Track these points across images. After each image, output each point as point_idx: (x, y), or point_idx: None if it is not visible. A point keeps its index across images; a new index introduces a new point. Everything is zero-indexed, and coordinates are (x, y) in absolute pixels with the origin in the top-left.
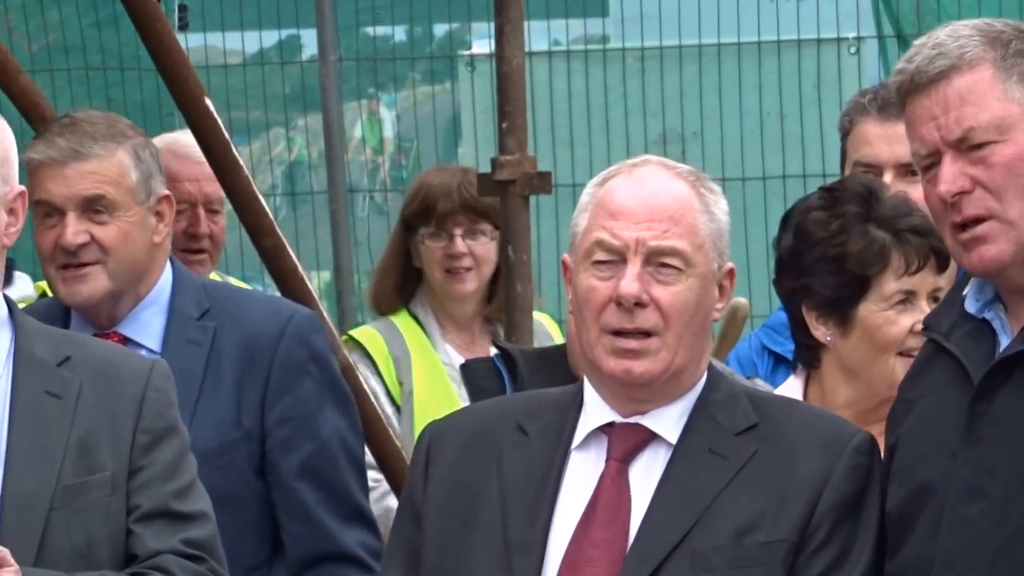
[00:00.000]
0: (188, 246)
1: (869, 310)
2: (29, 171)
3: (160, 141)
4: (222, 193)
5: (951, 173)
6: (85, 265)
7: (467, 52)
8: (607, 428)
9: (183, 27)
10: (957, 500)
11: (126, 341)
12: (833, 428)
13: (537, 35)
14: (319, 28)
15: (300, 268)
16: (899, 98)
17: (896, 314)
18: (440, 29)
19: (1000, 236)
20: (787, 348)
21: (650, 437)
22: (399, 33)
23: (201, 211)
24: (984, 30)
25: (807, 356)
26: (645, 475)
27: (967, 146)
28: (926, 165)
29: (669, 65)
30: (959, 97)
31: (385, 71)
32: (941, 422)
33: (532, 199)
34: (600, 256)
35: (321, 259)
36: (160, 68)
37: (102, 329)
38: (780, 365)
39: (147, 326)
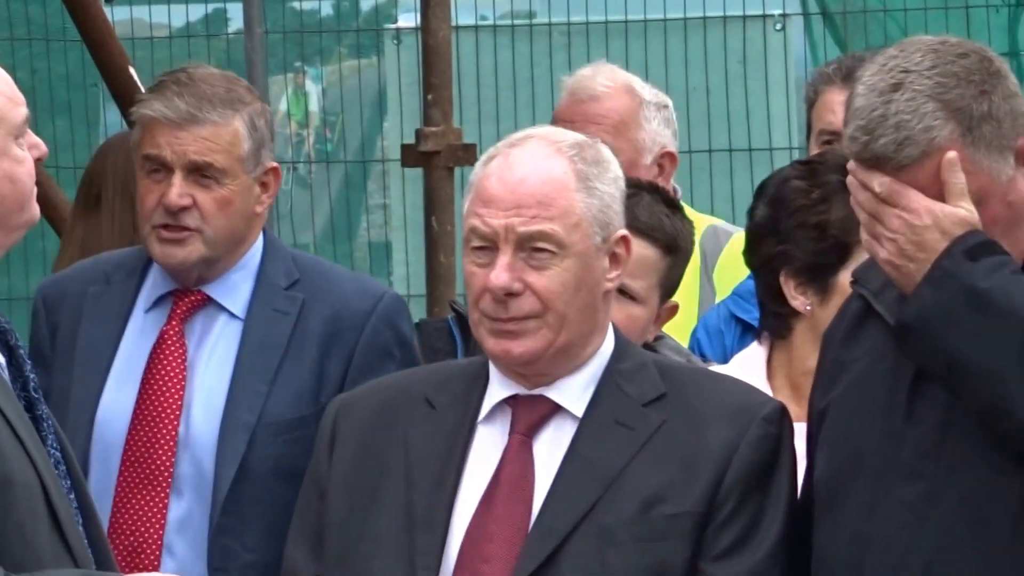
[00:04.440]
0: None
1: (848, 277)
2: (141, 123)
3: None
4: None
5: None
6: (184, 229)
7: (393, 26)
8: (512, 401)
9: (109, 0)
10: (896, 481)
11: (211, 302)
12: (742, 397)
13: (464, 9)
14: (245, 1)
15: None
16: (858, 161)
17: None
18: (366, 3)
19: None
20: (755, 316)
21: (555, 409)
22: (325, 7)
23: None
24: (944, 98)
25: (777, 325)
26: (550, 448)
27: None
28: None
29: (595, 41)
30: (930, 177)
31: (311, 44)
32: (875, 392)
33: (457, 171)
34: (476, 243)
35: None
36: (86, 39)
37: (184, 287)
38: (748, 333)
39: (234, 290)
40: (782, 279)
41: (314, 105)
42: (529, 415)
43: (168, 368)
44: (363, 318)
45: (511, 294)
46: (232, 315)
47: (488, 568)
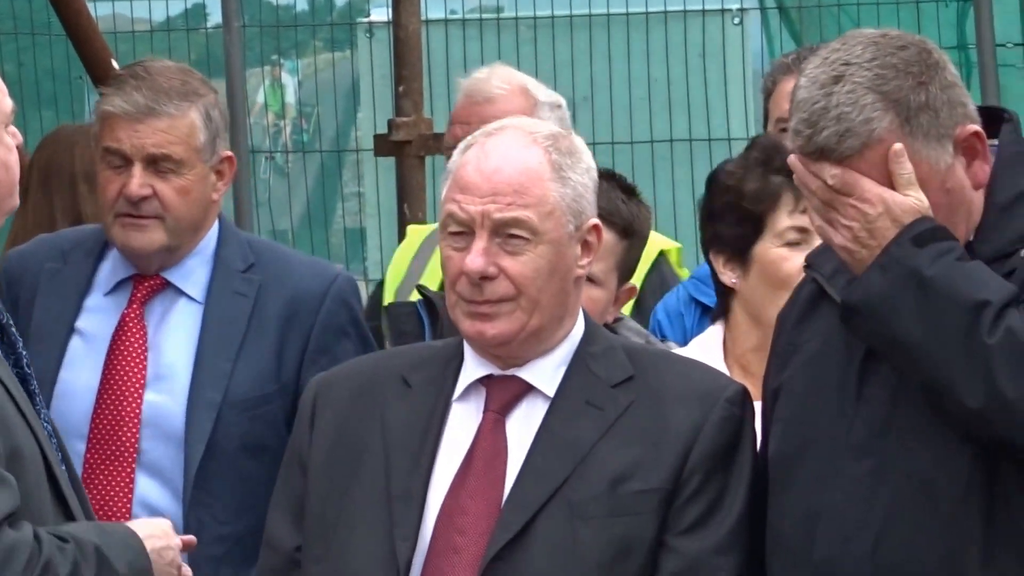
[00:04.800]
0: None
1: (764, 248)
2: (100, 118)
3: None
4: None
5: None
6: (145, 218)
7: (366, 19)
8: (486, 380)
9: None
10: (846, 457)
11: (169, 286)
12: (707, 380)
13: (434, 4)
14: None
15: None
16: (802, 154)
17: (789, 251)
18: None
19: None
20: (714, 298)
21: (527, 389)
22: (301, 2)
23: None
24: (883, 90)
25: (721, 304)
26: (523, 426)
27: None
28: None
29: (560, 33)
30: (872, 168)
31: (287, 38)
32: (827, 372)
33: (428, 159)
34: (453, 228)
35: None
36: (70, 34)
37: (144, 272)
38: (707, 315)
39: (192, 275)
40: (712, 257)
41: (290, 97)
42: (502, 394)
43: (131, 349)
44: (319, 299)
45: (486, 278)
46: (191, 299)
47: (463, 540)
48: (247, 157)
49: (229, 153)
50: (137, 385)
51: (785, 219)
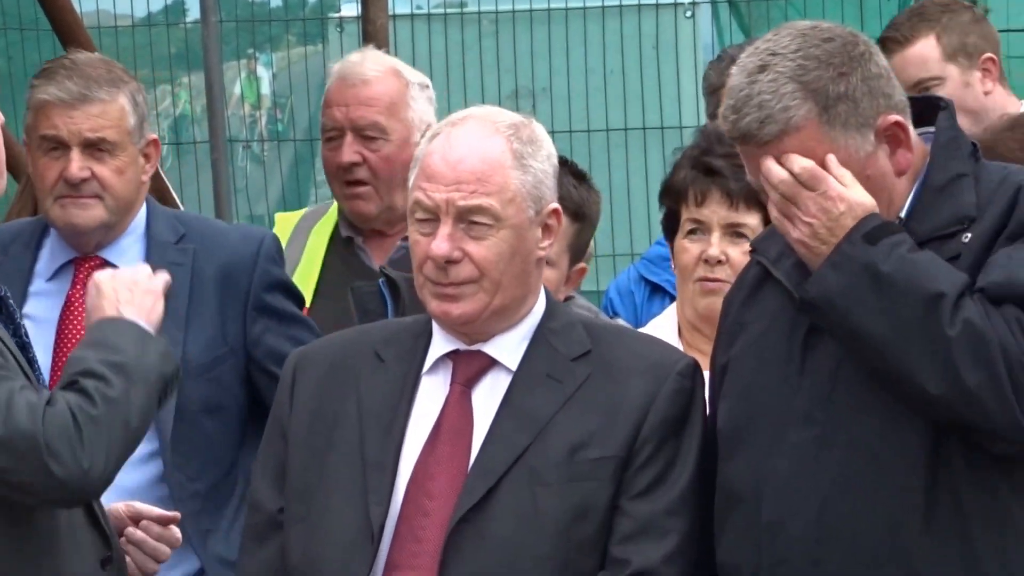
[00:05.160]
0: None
1: (678, 239)
2: (35, 108)
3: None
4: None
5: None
6: (84, 198)
7: (336, 15)
8: (453, 355)
9: None
10: (790, 426)
11: (108, 265)
12: (659, 354)
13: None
14: None
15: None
16: (730, 138)
17: (688, 243)
18: None
19: None
20: (662, 278)
21: (491, 363)
22: None
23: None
24: (804, 79)
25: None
26: (487, 398)
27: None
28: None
29: (521, 27)
30: (791, 152)
31: (262, 33)
32: (773, 348)
33: None
34: (420, 215)
35: (203, 204)
36: (56, 29)
37: (83, 254)
38: (656, 293)
39: (128, 252)
40: (668, 242)
41: (265, 88)
42: (468, 368)
43: (79, 328)
44: (252, 261)
45: (451, 261)
46: None
47: (431, 504)
48: (225, 146)
49: (155, 136)
50: None
51: (686, 214)
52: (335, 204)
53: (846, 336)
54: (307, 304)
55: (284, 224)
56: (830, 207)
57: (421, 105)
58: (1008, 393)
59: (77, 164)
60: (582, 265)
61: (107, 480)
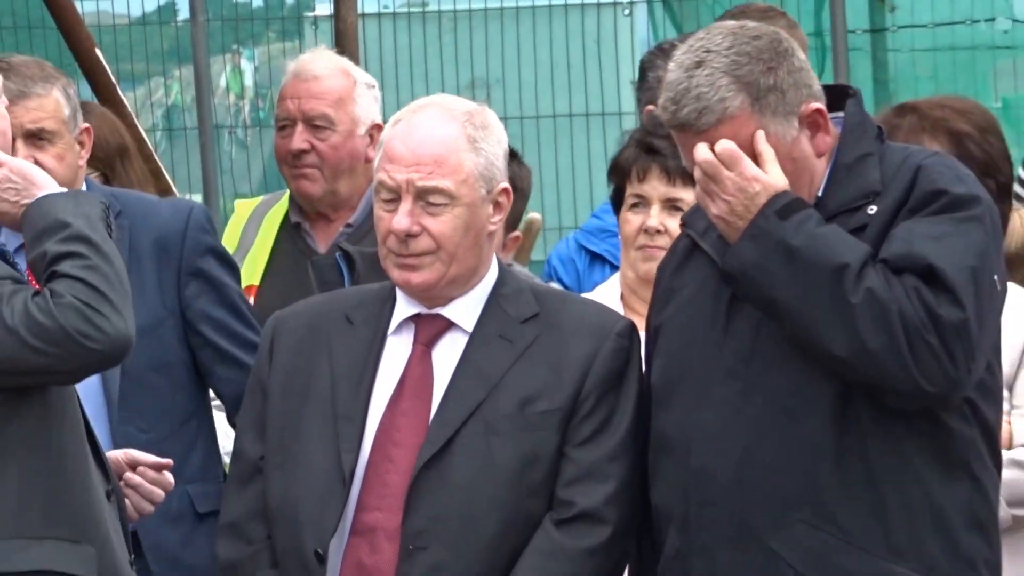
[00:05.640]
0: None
1: (622, 212)
2: None
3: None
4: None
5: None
6: None
7: (311, 14)
8: (415, 318)
9: None
10: (716, 381)
11: None
12: (600, 316)
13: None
14: None
15: (175, 190)
16: (669, 127)
17: (631, 215)
18: None
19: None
20: (600, 248)
21: (449, 325)
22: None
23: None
24: (737, 73)
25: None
26: (446, 356)
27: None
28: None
29: (476, 24)
30: (727, 138)
31: (245, 30)
32: (700, 311)
33: None
34: (383, 194)
35: (193, 184)
36: (59, 27)
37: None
38: (595, 261)
39: None
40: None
41: (248, 80)
42: (429, 330)
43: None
44: (182, 230)
45: (411, 235)
46: None
47: (397, 452)
48: (212, 132)
49: (87, 125)
50: None
51: (629, 189)
52: (287, 193)
53: (761, 304)
54: (257, 281)
55: (243, 209)
56: (746, 186)
57: (366, 101)
58: (906, 355)
59: (22, 154)
60: (516, 234)
61: (133, 329)
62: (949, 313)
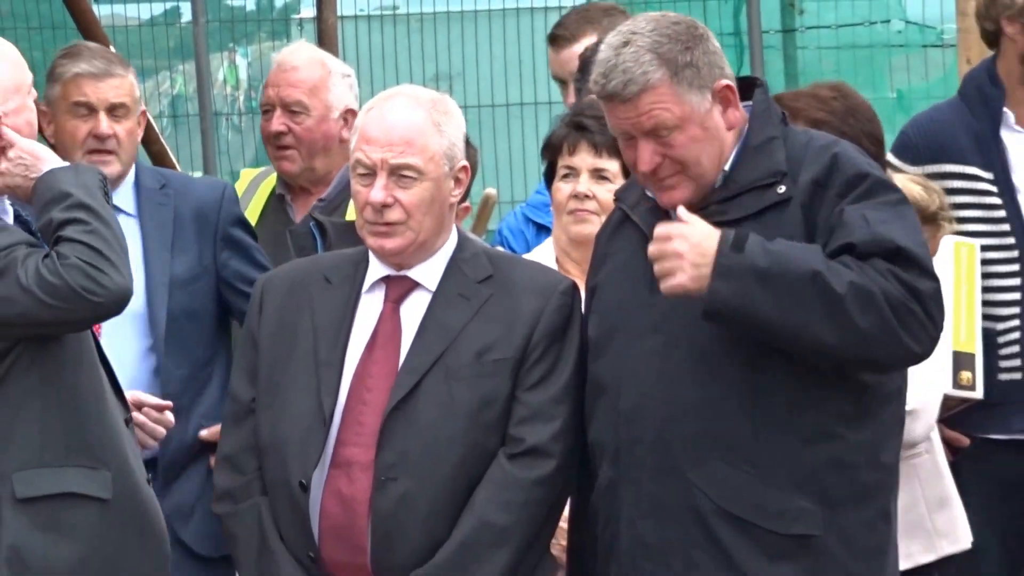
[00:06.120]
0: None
1: (555, 183)
2: (66, 80)
3: None
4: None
5: (648, 153)
6: (108, 153)
7: (297, 16)
8: (386, 278)
9: None
10: (641, 335)
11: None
12: (546, 277)
13: (347, 3)
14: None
15: (178, 167)
16: (599, 99)
17: (562, 184)
18: (279, 0)
19: (684, 185)
20: (545, 220)
21: (415, 285)
22: (250, 3)
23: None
24: (659, 51)
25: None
26: (412, 312)
27: (655, 135)
28: (624, 139)
29: (440, 25)
30: (647, 106)
31: (240, 31)
32: (629, 275)
33: None
34: (360, 171)
35: (194, 163)
36: (79, 27)
37: None
38: (542, 231)
39: (126, 196)
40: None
41: (243, 74)
42: (397, 289)
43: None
44: (218, 203)
45: (385, 206)
46: (128, 213)
47: (370, 395)
48: (211, 118)
49: (144, 110)
50: None
51: (560, 161)
52: None
53: (753, 328)
54: None
55: (245, 177)
56: (689, 241)
57: (340, 90)
58: (896, 327)
59: (104, 124)
60: (466, 204)
61: (131, 282)
62: (924, 284)
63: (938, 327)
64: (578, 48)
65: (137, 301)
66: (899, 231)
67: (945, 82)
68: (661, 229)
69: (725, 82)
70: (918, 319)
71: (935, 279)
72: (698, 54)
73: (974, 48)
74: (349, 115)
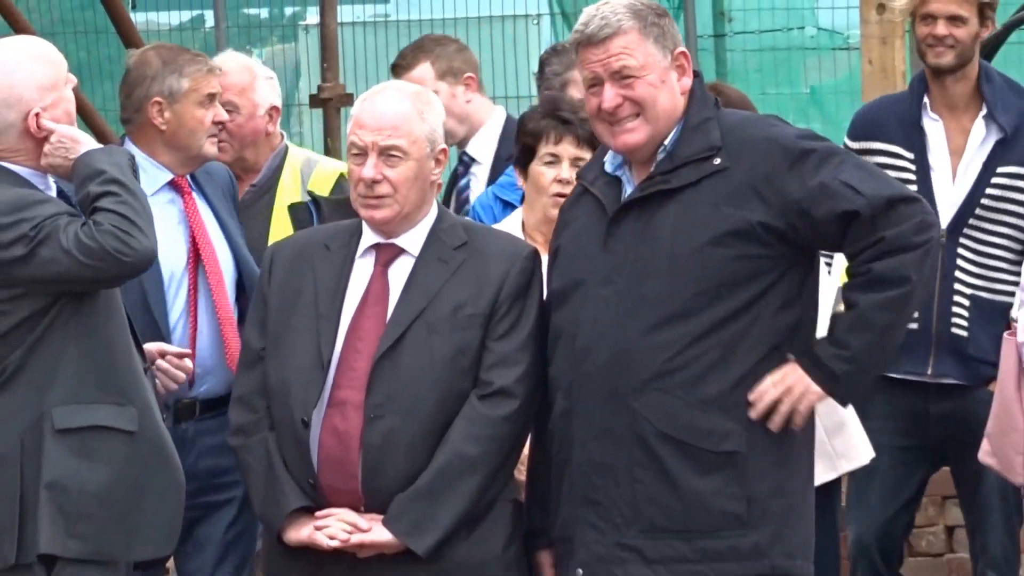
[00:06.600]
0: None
1: (534, 166)
2: (197, 77)
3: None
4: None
5: (611, 94)
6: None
7: (304, 22)
8: (376, 245)
9: (134, 7)
10: (596, 285)
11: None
12: (512, 244)
13: (346, 11)
14: (215, 8)
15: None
16: (575, 47)
17: (545, 168)
18: (288, 9)
19: (640, 128)
20: (512, 198)
21: (401, 251)
22: (264, 12)
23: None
24: (633, 9)
25: (522, 198)
26: (398, 275)
27: (620, 77)
28: (590, 86)
29: (425, 31)
30: (617, 48)
31: (255, 35)
32: (587, 238)
33: (342, 110)
34: (354, 152)
35: None
36: (119, 32)
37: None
38: (507, 208)
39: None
40: (516, 172)
41: None
42: (386, 255)
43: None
44: (230, 184)
45: (375, 182)
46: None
47: (362, 345)
48: None
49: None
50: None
51: (544, 148)
52: None
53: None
54: None
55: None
56: (784, 384)
57: (264, 91)
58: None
59: (212, 113)
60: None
61: (155, 246)
62: (920, 211)
63: (930, 211)
64: (415, 74)
65: (230, 268)
66: (876, 183)
67: (851, 79)
68: (755, 395)
69: (682, 49)
70: (929, 233)
71: (913, 197)
72: (665, 23)
73: (875, 51)
74: (274, 112)
